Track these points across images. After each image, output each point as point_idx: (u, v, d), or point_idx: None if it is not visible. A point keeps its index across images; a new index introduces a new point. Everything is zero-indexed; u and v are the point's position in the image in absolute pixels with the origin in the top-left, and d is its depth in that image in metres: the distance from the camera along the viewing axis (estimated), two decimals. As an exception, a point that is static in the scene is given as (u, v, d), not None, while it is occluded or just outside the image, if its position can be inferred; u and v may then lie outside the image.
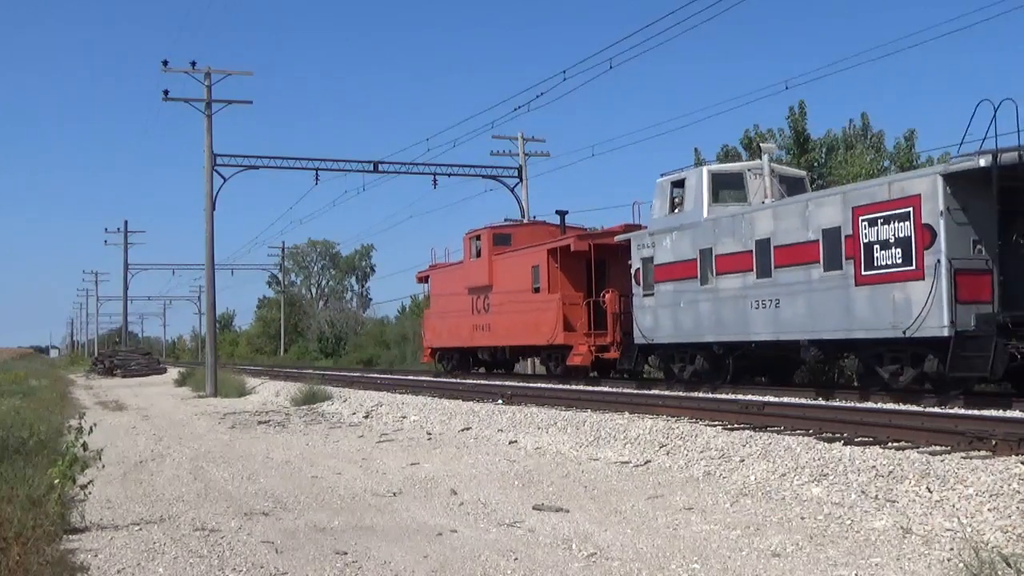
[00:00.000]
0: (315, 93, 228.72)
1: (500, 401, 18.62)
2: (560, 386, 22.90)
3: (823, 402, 15.54)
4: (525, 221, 31.27)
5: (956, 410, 13.35)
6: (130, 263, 68.15)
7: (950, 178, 14.94)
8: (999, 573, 5.48)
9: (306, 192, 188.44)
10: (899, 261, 15.64)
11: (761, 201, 19.84)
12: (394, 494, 9.91)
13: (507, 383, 24.44)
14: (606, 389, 21.22)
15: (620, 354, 23.62)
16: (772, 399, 16.30)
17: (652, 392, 19.28)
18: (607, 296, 24.12)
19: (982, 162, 14.38)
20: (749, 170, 20.79)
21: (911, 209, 15.44)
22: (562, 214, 29.02)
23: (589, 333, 24.70)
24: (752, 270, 18.76)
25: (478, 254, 30.26)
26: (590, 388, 21.93)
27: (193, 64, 31.85)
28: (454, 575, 6.57)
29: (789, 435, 11.38)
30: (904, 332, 15.47)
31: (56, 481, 8.03)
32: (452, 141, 48.39)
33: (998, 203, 14.37)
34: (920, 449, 9.85)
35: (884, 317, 15.88)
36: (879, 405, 14.73)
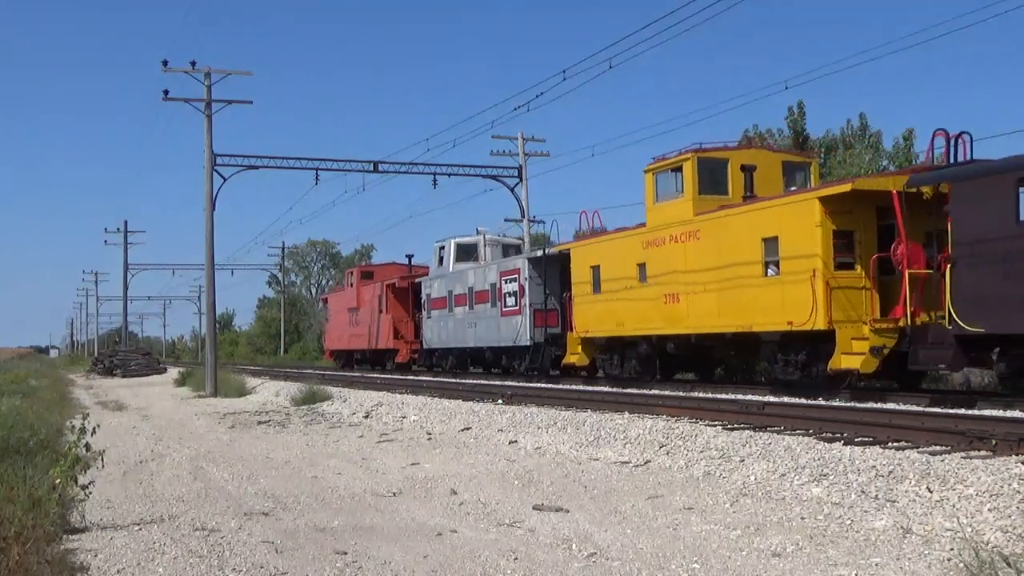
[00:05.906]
0: (315, 93, 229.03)
1: (500, 401, 18.63)
2: (560, 386, 23.16)
3: (823, 402, 15.63)
4: (385, 263, 43.39)
5: (956, 410, 13.37)
6: (130, 263, 68.06)
7: (530, 260, 27.28)
8: (999, 573, 5.48)
9: (306, 192, 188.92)
10: (514, 304, 27.53)
11: (480, 262, 31.58)
12: (394, 494, 9.91)
13: (507, 383, 24.59)
14: (606, 389, 21.31)
15: (418, 355, 35.92)
16: (772, 399, 16.34)
17: (652, 392, 19.42)
18: (419, 317, 35.75)
19: (539, 253, 27.28)
20: (482, 241, 32.58)
21: (517, 275, 27.48)
22: (409, 257, 40.33)
23: (408, 341, 36.64)
24: (467, 305, 30.66)
25: (352, 285, 42.30)
26: (590, 388, 22.04)
27: (193, 64, 31.81)
28: (454, 575, 6.58)
29: (789, 435, 11.38)
30: (515, 342, 27.50)
31: (58, 481, 8.03)
32: (452, 141, 47.93)
33: (560, 273, 25.70)
34: (920, 449, 9.85)
35: (511, 335, 27.70)
36: (879, 405, 14.79)
